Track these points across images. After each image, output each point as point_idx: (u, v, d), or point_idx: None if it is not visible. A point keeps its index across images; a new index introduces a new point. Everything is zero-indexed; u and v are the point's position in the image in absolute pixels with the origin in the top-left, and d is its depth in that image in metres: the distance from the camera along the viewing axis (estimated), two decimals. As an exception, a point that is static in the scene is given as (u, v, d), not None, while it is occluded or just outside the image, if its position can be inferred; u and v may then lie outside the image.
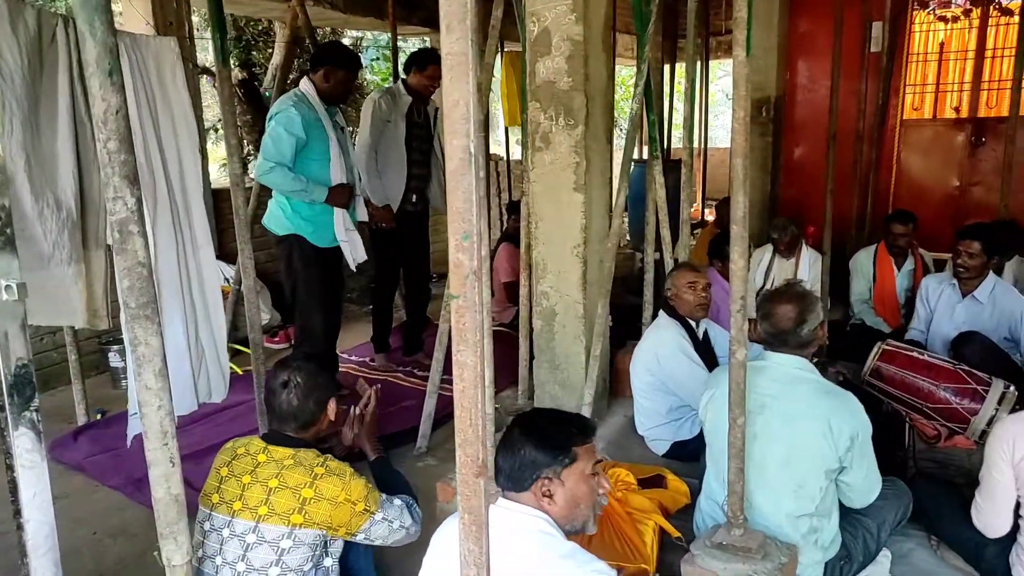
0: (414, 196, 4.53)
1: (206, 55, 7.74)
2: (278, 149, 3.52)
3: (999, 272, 4.02)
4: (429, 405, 3.36)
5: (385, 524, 1.99)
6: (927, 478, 2.74)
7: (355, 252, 3.83)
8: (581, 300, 3.52)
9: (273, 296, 5.49)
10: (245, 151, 8.35)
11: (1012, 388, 3.22)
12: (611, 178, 3.78)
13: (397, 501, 2.05)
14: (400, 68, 4.77)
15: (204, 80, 7.02)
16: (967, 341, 3.55)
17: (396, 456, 3.45)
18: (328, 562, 1.96)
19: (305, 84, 3.71)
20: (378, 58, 9.01)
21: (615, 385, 3.97)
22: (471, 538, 1.08)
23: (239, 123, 7.09)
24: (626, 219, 7.95)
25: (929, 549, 2.51)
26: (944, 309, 3.86)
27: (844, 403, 2.12)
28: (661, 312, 3.44)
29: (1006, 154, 4.51)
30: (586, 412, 3.44)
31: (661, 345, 3.29)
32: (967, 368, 3.35)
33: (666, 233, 3.85)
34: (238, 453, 2.00)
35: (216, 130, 8.32)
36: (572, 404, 3.58)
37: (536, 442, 1.54)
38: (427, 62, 4.32)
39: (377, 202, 4.30)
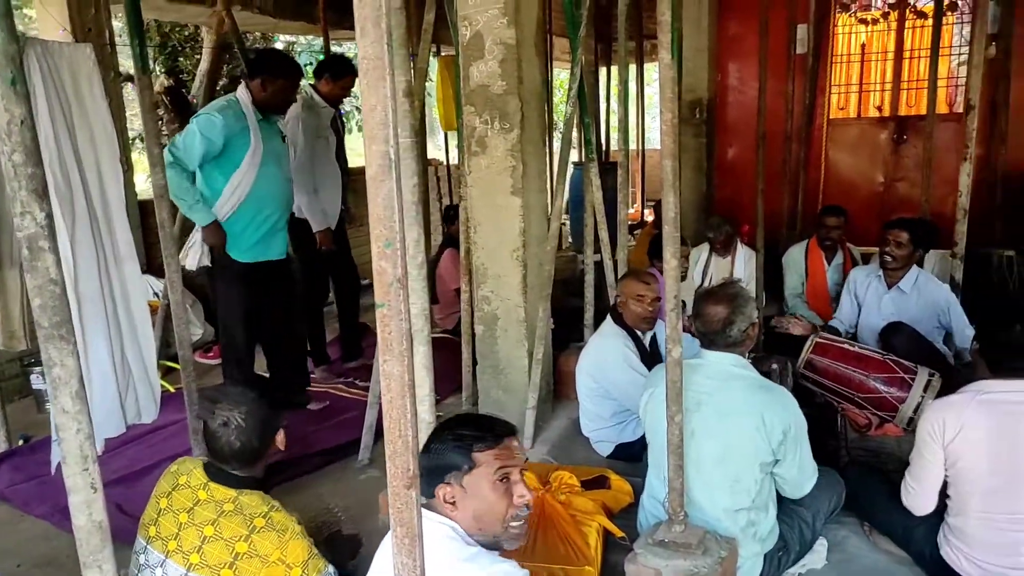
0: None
1: (130, 62, 7.49)
2: (185, 146, 3.33)
3: (920, 265, 4.19)
4: (370, 416, 3.31)
5: None
6: (859, 466, 2.82)
7: (193, 258, 3.64)
8: (522, 304, 3.52)
9: (206, 310, 5.32)
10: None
11: (937, 376, 3.35)
12: (548, 181, 3.80)
13: None
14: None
15: (128, 88, 6.77)
16: (894, 332, 3.69)
17: (338, 469, 3.39)
18: None
19: (241, 91, 3.53)
20: (311, 63, 8.87)
21: (559, 388, 3.98)
22: (404, 551, 1.06)
23: (165, 131, 6.87)
24: (567, 222, 8.00)
25: (863, 535, 2.59)
26: (872, 301, 4.01)
27: (777, 398, 2.17)
28: (608, 319, 3.43)
29: (925, 151, 4.70)
30: (529, 416, 3.45)
31: (606, 354, 3.29)
32: (895, 358, 3.48)
33: (604, 235, 3.88)
34: (179, 483, 1.87)
35: (142, 140, 8.05)
36: (516, 408, 3.58)
37: (440, 447, 1.52)
38: (344, 71, 4.18)
39: (317, 226, 4.17)
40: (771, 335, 4.58)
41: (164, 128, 7.29)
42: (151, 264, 4.94)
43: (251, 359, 3.80)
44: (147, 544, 1.84)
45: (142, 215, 5.01)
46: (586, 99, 3.61)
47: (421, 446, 1.57)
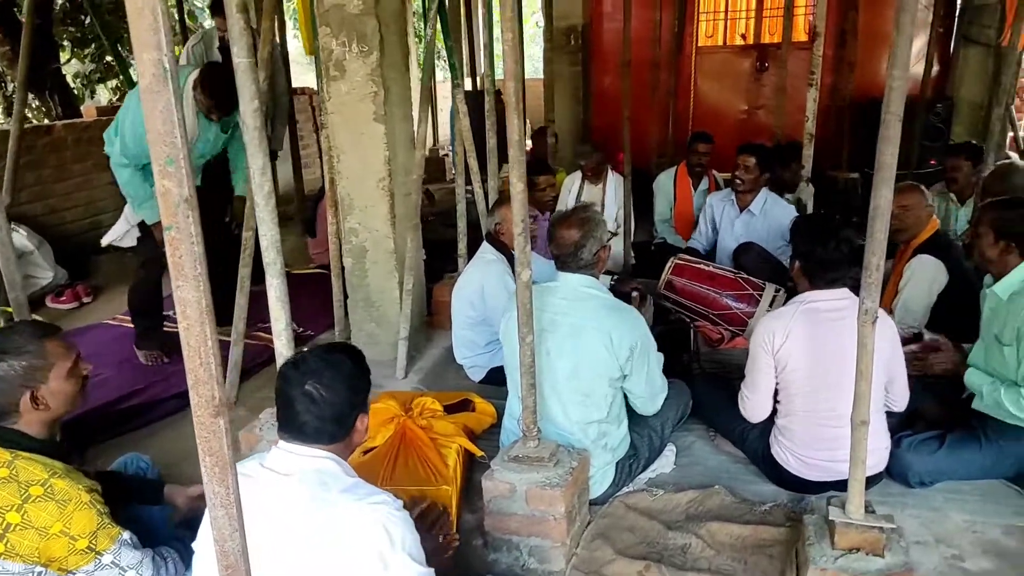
0: None
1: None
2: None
3: (781, 191, 4.42)
4: (234, 354, 3.20)
5: (115, 571, 1.68)
6: (705, 377, 3.02)
7: (114, 236, 3.60)
8: (391, 235, 3.47)
9: (57, 252, 4.94)
10: (9, 90, 7.31)
11: (782, 291, 3.61)
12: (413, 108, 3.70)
13: (142, 552, 1.72)
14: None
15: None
16: (745, 251, 3.93)
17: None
18: None
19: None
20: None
21: (435, 318, 3.99)
22: (216, 480, 1.04)
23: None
24: (451, 152, 7.89)
25: (708, 440, 2.80)
26: (726, 224, 4.23)
27: (624, 317, 2.27)
28: (485, 245, 3.41)
29: (779, 78, 4.91)
30: (402, 347, 3.45)
31: (487, 279, 3.27)
32: (745, 276, 3.71)
33: (473, 163, 3.85)
34: None
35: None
36: (389, 340, 3.57)
37: (354, 385, 1.53)
38: (219, 5, 4.04)
39: None
40: (641, 257, 4.77)
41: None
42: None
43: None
44: None
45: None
46: (447, 21, 3.51)
47: (277, 380, 1.54)
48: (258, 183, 2.21)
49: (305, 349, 1.62)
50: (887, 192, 1.64)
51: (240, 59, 2.04)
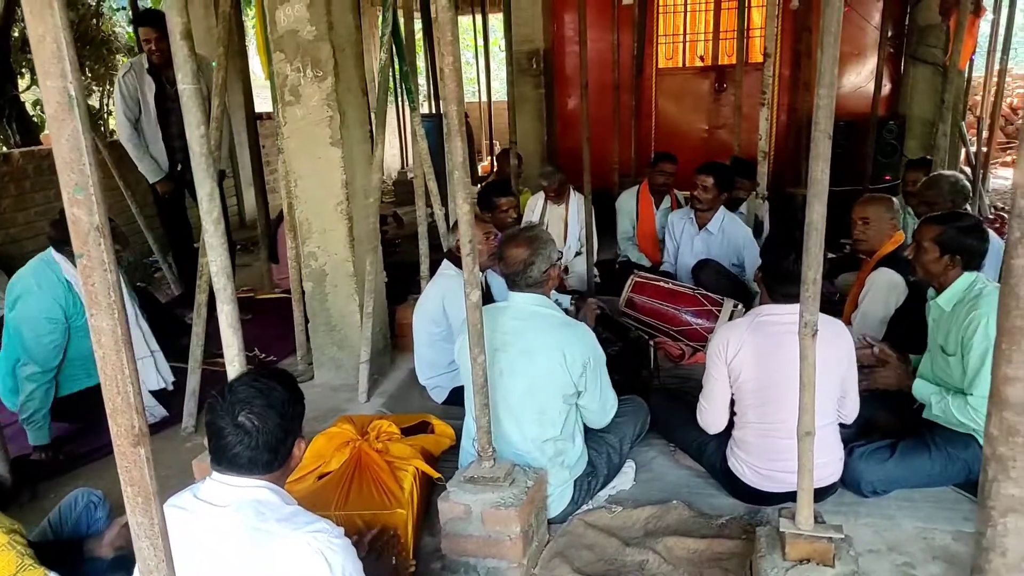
0: (179, 166, 4.59)
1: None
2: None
3: (733, 207, 4.49)
4: (191, 382, 3.16)
5: None
6: (663, 392, 3.04)
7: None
8: (350, 258, 3.46)
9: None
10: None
11: (740, 305, 3.67)
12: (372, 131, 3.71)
13: None
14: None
15: None
16: (703, 268, 3.98)
17: (163, 439, 3.24)
18: None
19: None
20: (123, 7, 8.07)
21: (399, 340, 3.98)
22: (139, 511, 1.02)
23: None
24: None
25: (668, 455, 2.81)
26: (686, 241, 4.29)
27: (576, 333, 2.29)
28: (446, 262, 3.41)
29: (736, 98, 5.01)
30: (363, 370, 3.42)
31: (448, 293, 3.24)
32: (704, 292, 3.76)
33: (433, 186, 3.87)
34: None
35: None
36: (352, 364, 3.55)
37: (286, 413, 1.48)
38: (141, 21, 4.40)
39: (147, 174, 4.58)
40: (605, 275, 4.81)
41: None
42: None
43: None
44: None
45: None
46: (402, 45, 3.54)
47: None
48: (206, 209, 2.20)
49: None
50: (820, 208, 1.68)
51: (185, 85, 2.04)
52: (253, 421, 1.42)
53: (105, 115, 7.69)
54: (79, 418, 3.19)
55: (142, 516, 1.03)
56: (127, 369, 0.97)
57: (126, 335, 0.96)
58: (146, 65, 4.38)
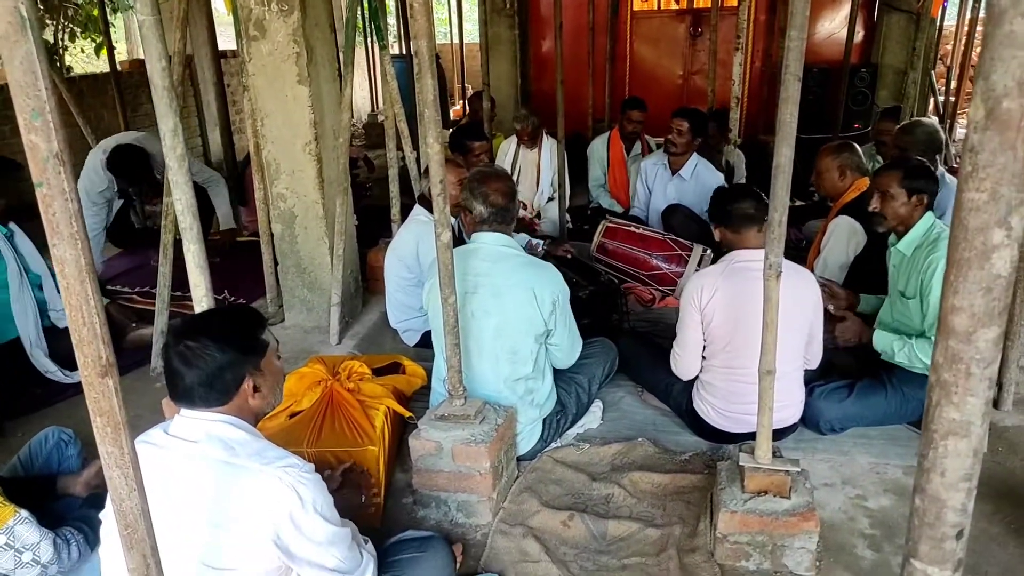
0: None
1: None
2: None
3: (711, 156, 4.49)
4: (160, 323, 3.14)
5: (10, 553, 1.65)
6: (632, 334, 3.09)
7: None
8: (320, 200, 3.42)
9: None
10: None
11: (708, 251, 3.71)
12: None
13: (40, 533, 1.69)
14: None
15: None
16: (673, 212, 4.00)
17: (131, 379, 3.23)
18: None
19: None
20: None
21: (371, 283, 3.97)
22: (108, 440, 1.03)
23: None
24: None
25: (635, 395, 2.88)
26: (658, 187, 4.30)
27: (544, 272, 2.31)
28: (418, 207, 3.38)
29: (711, 43, 4.97)
30: (334, 313, 3.42)
31: (420, 239, 3.21)
32: (674, 237, 3.79)
33: (404, 128, 3.81)
34: None
35: None
36: (323, 306, 3.55)
37: (227, 344, 1.46)
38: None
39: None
40: (577, 220, 4.82)
41: None
42: None
43: None
44: None
45: None
46: (371, -21, 3.43)
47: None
48: (170, 144, 2.14)
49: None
50: (787, 151, 1.70)
51: (144, 16, 1.97)
52: (188, 353, 1.41)
53: (60, 51, 7.39)
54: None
55: (111, 446, 1.03)
56: (92, 299, 0.96)
57: (90, 265, 0.95)
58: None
